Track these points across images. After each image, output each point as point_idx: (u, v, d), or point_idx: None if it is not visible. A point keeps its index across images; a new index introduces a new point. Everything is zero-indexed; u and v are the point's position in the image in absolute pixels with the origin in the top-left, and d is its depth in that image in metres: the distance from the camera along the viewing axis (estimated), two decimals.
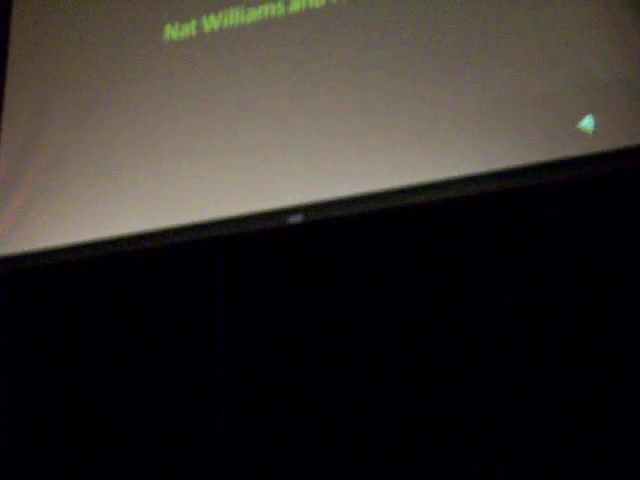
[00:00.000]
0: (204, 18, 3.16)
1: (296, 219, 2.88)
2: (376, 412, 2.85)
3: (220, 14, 3.14)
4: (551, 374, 2.71)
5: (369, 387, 2.87)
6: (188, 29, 3.17)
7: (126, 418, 3.13)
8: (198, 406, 3.04)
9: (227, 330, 3.04)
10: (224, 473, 2.96)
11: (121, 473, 3.09)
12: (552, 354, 2.72)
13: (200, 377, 3.08)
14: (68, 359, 3.24)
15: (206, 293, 3.09)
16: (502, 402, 2.74)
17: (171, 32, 3.19)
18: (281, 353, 3.01)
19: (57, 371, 3.25)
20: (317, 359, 2.94)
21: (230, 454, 2.97)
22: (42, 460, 3.18)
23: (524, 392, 2.72)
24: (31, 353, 3.26)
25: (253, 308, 3.05)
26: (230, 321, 3.05)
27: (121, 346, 3.17)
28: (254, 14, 3.10)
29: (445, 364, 2.81)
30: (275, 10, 3.08)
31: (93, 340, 3.22)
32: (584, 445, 2.64)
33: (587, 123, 2.66)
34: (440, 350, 2.83)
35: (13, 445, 3.20)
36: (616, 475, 2.60)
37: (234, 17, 3.12)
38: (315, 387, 2.93)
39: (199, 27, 3.16)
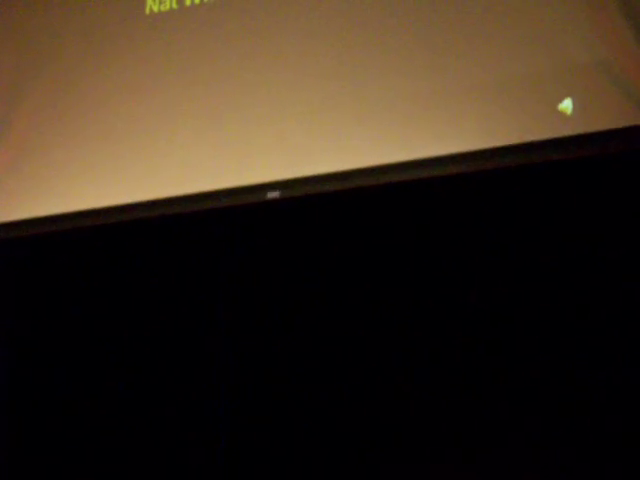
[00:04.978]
0: None
1: (274, 194, 2.90)
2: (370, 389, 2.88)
3: None
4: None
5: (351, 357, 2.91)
6: (169, 2, 3.17)
7: (118, 392, 3.17)
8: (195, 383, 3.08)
9: (215, 302, 3.08)
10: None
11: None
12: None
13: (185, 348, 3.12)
14: (56, 332, 3.27)
15: (184, 266, 3.12)
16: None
17: (152, 5, 3.19)
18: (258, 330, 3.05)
19: (43, 346, 3.28)
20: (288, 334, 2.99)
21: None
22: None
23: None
24: (15, 328, 3.30)
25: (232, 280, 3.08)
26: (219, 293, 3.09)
27: (108, 320, 3.21)
28: None
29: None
30: None
31: (78, 315, 3.25)
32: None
33: (566, 106, 2.66)
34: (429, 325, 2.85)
35: None
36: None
37: None
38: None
39: (180, 0, 3.16)
